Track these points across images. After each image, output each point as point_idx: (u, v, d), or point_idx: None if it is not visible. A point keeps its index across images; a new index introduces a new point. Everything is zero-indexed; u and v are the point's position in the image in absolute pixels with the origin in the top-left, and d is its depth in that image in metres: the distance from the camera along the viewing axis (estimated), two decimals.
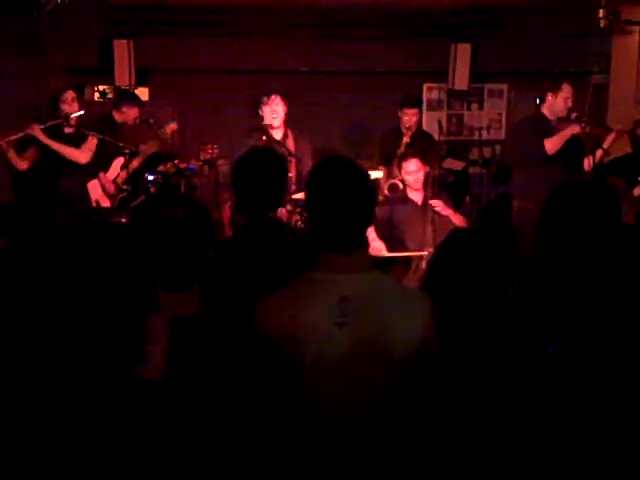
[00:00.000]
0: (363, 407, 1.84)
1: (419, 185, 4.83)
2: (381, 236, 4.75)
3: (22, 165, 5.04)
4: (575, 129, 4.86)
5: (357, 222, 1.88)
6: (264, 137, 4.59)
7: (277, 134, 4.78)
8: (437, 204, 4.77)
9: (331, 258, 1.87)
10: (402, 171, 4.90)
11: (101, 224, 4.62)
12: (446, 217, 4.77)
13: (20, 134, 4.97)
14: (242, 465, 1.82)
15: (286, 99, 4.83)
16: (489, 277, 2.25)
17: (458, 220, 4.83)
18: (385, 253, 4.60)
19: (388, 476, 1.87)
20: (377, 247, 4.64)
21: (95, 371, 1.78)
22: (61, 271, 2.20)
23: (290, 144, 4.65)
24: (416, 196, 4.88)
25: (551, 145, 4.96)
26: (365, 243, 1.95)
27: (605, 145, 4.91)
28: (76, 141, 5.16)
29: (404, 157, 4.93)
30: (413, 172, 4.80)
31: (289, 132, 4.84)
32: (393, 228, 4.87)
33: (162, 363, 1.73)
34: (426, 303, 1.92)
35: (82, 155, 5.14)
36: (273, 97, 4.77)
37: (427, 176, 4.84)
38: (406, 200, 4.90)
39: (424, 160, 4.96)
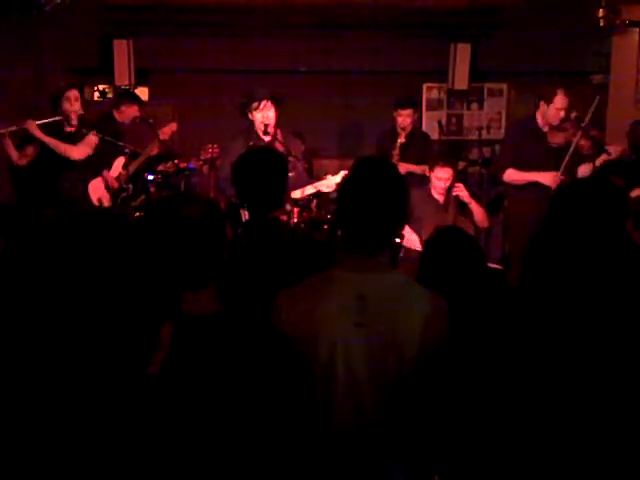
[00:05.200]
0: (374, 404, 1.84)
1: (443, 190, 4.84)
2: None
3: (20, 160, 5.04)
4: (547, 178, 4.70)
5: (387, 226, 1.88)
6: (251, 142, 4.48)
7: (266, 138, 4.59)
8: (460, 188, 4.77)
9: (352, 257, 1.87)
10: (432, 174, 4.88)
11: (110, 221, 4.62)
12: (465, 218, 4.77)
13: (14, 127, 4.97)
14: (249, 464, 1.82)
15: (276, 102, 4.71)
16: (474, 270, 2.31)
17: (478, 212, 4.81)
18: (419, 247, 4.56)
19: (393, 469, 1.88)
20: (412, 240, 4.61)
21: (92, 370, 1.78)
22: (59, 271, 2.20)
23: (279, 147, 4.51)
24: (438, 195, 4.89)
25: (512, 177, 4.91)
26: (388, 246, 1.94)
27: (612, 152, 4.82)
28: (77, 139, 5.16)
29: (437, 162, 4.90)
30: (443, 179, 4.81)
31: (278, 134, 4.69)
32: (412, 225, 4.88)
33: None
34: (442, 304, 1.91)
35: (76, 151, 5.11)
36: (264, 102, 4.60)
37: (453, 181, 4.86)
38: (428, 197, 4.90)
39: (421, 160, 4.99)
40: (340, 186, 1.94)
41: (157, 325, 1.77)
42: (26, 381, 1.88)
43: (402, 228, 1.98)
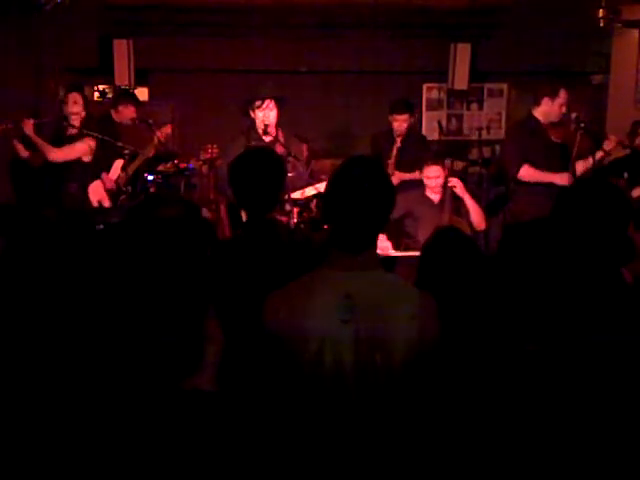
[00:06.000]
0: (364, 403, 1.84)
1: (438, 189, 4.86)
2: (394, 232, 4.75)
3: (35, 160, 5.12)
4: (564, 180, 4.66)
5: (372, 224, 1.89)
6: (253, 142, 4.47)
7: (267, 138, 4.60)
8: (456, 183, 4.78)
9: (340, 256, 1.88)
10: (423, 174, 4.90)
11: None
12: (461, 218, 4.77)
13: (10, 124, 5.05)
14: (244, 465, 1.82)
15: (279, 103, 4.71)
16: (472, 272, 2.31)
17: (475, 211, 4.81)
18: (392, 252, 4.59)
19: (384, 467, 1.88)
20: (384, 247, 4.63)
21: (134, 379, 1.77)
22: (59, 271, 2.20)
23: (280, 148, 4.48)
24: (433, 195, 4.90)
25: (529, 174, 4.85)
26: (375, 243, 1.96)
27: (606, 147, 4.82)
28: (77, 142, 5.20)
29: (426, 162, 4.92)
30: (432, 178, 4.83)
31: (280, 135, 4.69)
32: (407, 225, 4.88)
33: (215, 370, 1.71)
34: (429, 302, 1.92)
35: (54, 153, 5.18)
36: (267, 102, 4.59)
37: (446, 179, 4.86)
38: (423, 198, 4.92)
39: (420, 164, 5.00)
40: (327, 185, 1.95)
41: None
42: (26, 382, 1.87)
43: (386, 225, 1.99)
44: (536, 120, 4.93)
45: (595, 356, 1.98)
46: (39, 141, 5.15)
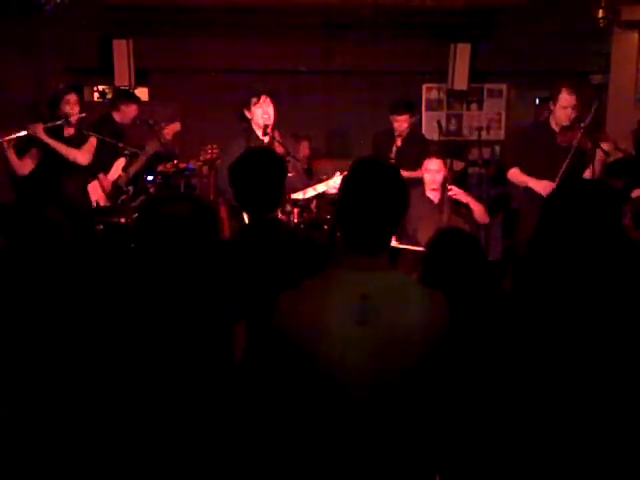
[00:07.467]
0: (380, 402, 1.85)
1: (435, 185, 4.85)
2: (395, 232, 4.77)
3: (22, 169, 5.01)
4: (544, 188, 4.66)
5: (388, 225, 1.90)
6: (252, 143, 4.47)
7: (265, 138, 4.60)
8: (455, 191, 4.79)
9: (354, 257, 1.88)
10: (423, 168, 4.90)
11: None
12: (460, 218, 4.78)
13: (22, 132, 4.95)
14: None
15: (274, 100, 4.69)
16: (476, 271, 2.32)
17: (478, 209, 4.82)
18: (394, 244, 4.58)
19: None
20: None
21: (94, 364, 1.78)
22: (60, 271, 2.21)
23: (278, 147, 4.46)
24: (433, 195, 4.91)
25: (514, 177, 4.93)
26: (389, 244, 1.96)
27: (605, 148, 4.81)
28: (76, 143, 5.15)
29: (426, 156, 4.93)
30: (432, 171, 4.82)
31: (276, 134, 4.67)
32: (406, 224, 4.88)
33: None
34: (442, 302, 1.93)
35: (83, 156, 5.12)
36: (263, 98, 4.60)
37: (445, 178, 4.86)
38: (423, 197, 4.92)
39: (418, 164, 5.01)
40: (341, 187, 1.95)
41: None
42: (26, 380, 1.88)
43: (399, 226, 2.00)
44: (546, 124, 4.94)
45: (603, 352, 1.98)
46: (58, 145, 4.99)
